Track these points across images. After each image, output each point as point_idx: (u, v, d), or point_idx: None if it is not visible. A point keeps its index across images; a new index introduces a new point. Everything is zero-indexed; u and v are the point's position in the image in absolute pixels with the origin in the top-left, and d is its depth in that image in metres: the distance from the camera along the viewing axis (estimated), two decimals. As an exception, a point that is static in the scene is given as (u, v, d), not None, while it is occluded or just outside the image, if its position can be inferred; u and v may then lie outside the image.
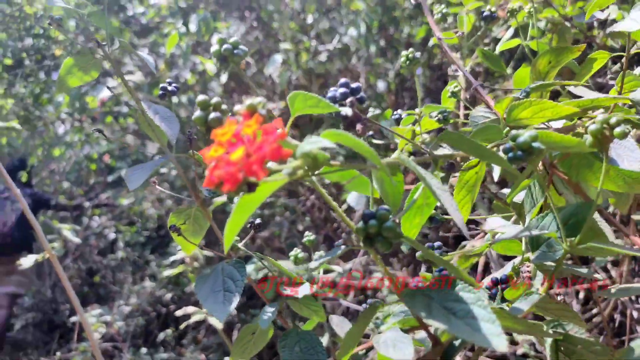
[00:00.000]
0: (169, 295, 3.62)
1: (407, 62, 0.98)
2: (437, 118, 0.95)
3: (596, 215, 0.72)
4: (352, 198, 2.11)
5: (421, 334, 0.68)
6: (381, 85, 2.89)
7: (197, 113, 0.47)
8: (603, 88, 1.50)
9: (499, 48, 0.97)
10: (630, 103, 0.65)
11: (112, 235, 4.35)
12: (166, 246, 3.98)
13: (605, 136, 0.51)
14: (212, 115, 0.47)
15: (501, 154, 0.54)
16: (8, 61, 2.72)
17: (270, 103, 3.08)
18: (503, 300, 0.64)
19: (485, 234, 1.25)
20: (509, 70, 1.69)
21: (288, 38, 3.02)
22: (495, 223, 1.12)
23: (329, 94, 0.52)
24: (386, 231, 0.48)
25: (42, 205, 3.83)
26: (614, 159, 0.55)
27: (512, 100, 0.69)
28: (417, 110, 1.02)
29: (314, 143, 0.41)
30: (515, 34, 1.17)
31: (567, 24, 1.14)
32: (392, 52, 3.00)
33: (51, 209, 3.94)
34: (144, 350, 3.32)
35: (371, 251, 0.50)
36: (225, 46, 0.51)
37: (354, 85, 0.52)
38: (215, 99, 0.48)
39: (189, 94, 2.93)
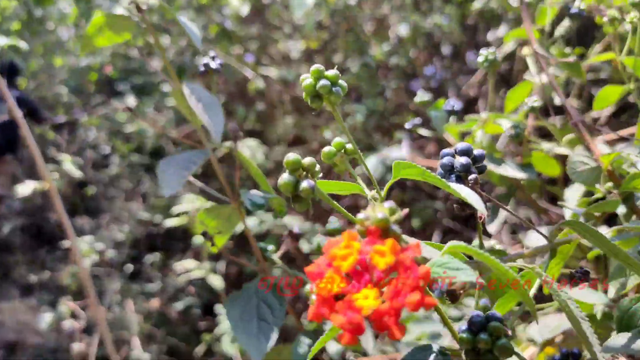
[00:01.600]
0: (159, 217, 3.56)
1: (486, 64, 0.85)
2: (509, 133, 0.84)
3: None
4: (371, 164, 2.01)
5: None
6: (402, 29, 2.64)
7: (285, 177, 0.37)
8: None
9: (587, 61, 0.85)
10: None
11: (107, 149, 4.25)
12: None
13: None
14: (305, 184, 0.36)
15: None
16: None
17: (292, 42, 2.89)
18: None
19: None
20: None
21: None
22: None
23: (443, 160, 0.41)
24: (499, 350, 0.39)
25: (29, 113, 3.65)
26: None
27: (618, 155, 0.58)
28: (483, 116, 0.91)
29: (450, 270, 0.31)
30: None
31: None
32: (426, 5, 2.80)
33: (41, 122, 3.79)
34: (129, 267, 3.29)
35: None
36: (322, 82, 0.40)
37: (477, 152, 0.41)
38: (308, 160, 0.37)
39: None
